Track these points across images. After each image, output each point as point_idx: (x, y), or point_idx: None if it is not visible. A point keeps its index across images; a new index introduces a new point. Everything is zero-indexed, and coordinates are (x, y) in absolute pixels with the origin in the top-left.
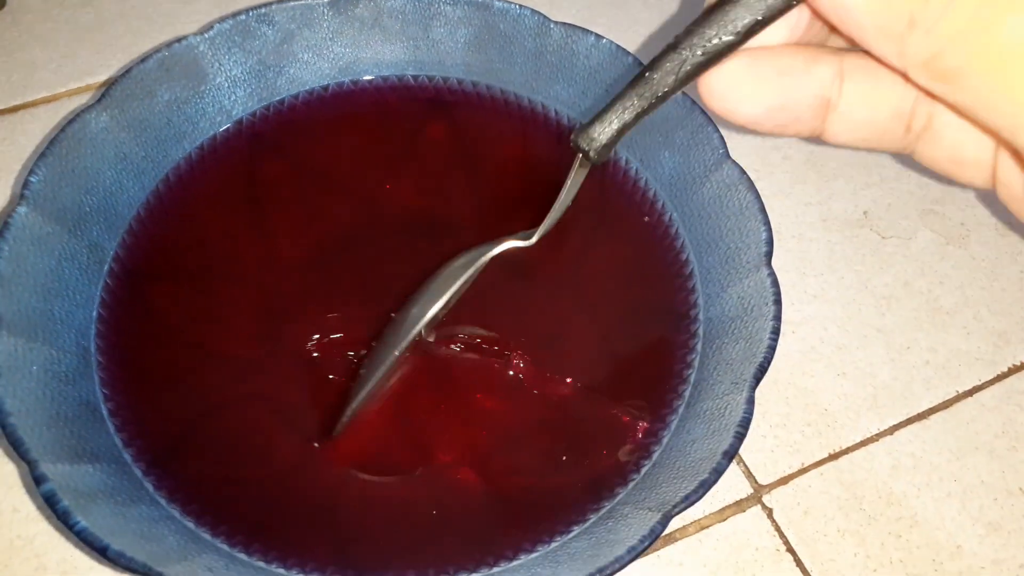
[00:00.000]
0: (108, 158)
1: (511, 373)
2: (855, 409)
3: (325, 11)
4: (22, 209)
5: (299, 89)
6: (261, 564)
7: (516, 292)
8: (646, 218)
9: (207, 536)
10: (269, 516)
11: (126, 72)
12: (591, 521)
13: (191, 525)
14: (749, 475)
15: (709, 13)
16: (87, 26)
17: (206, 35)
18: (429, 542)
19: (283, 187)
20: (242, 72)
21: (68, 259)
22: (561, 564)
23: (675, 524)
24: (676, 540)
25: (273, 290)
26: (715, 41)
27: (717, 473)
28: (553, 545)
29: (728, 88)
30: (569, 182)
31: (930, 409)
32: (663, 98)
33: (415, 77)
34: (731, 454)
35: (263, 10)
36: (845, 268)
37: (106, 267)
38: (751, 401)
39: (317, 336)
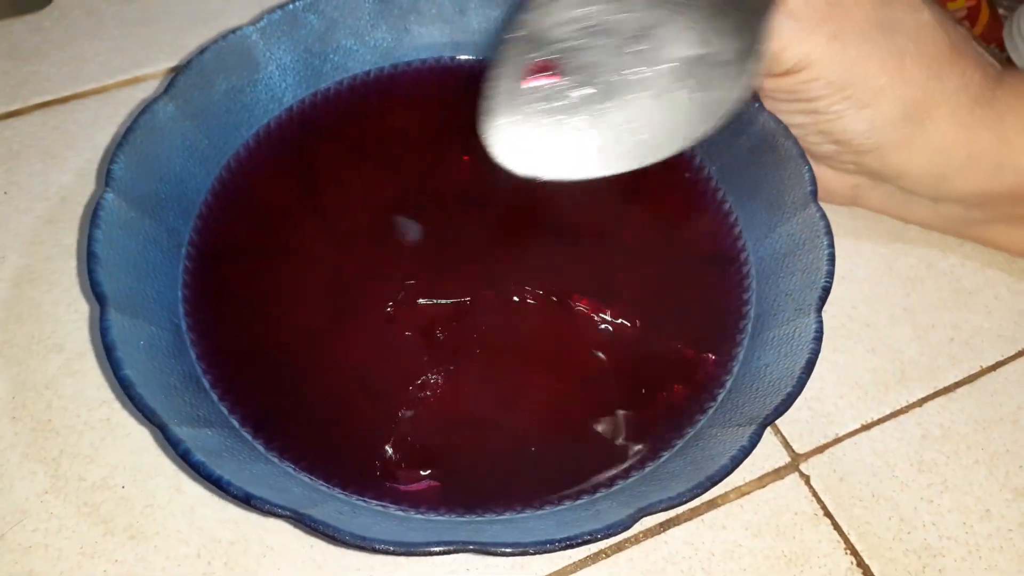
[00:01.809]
0: (176, 146)
1: (581, 319)
2: (885, 383)
3: (367, 0)
4: (109, 195)
5: (343, 75)
6: (380, 508)
7: (566, 251)
8: (686, 174)
9: (324, 488)
10: (374, 466)
11: (187, 64)
12: (678, 447)
13: (307, 479)
14: (786, 445)
15: None
16: (133, 20)
17: (258, 25)
18: (529, 476)
19: (334, 168)
20: (291, 60)
21: (152, 242)
22: (663, 482)
23: (717, 491)
24: (719, 505)
25: (335, 262)
26: None
27: (800, 385)
28: (648, 469)
29: None
30: None
31: (956, 383)
32: None
33: (452, 59)
34: (810, 368)
35: (310, 0)
36: (871, 251)
37: (183, 250)
38: (820, 321)
39: (384, 300)
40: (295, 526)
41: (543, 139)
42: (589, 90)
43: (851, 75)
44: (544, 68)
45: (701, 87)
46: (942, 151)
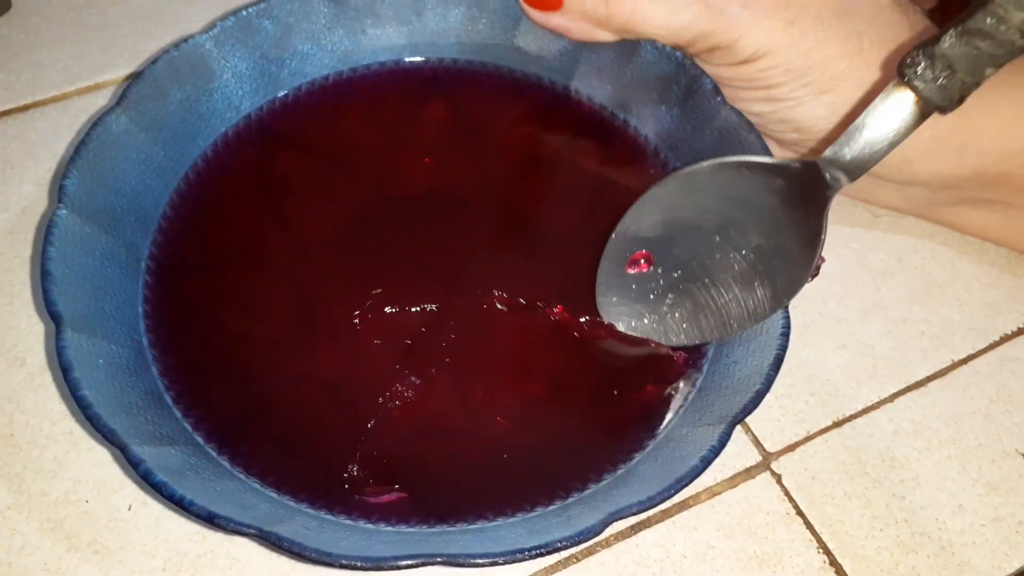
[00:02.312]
0: (131, 159)
1: (552, 322)
2: (856, 379)
3: (321, 3)
4: (62, 211)
5: (301, 81)
6: (348, 522)
7: (534, 254)
8: (652, 171)
9: (291, 503)
10: (342, 479)
11: (139, 74)
12: (649, 448)
13: (274, 495)
14: (757, 443)
15: None
16: (93, 26)
17: (210, 33)
18: (499, 485)
19: (296, 176)
20: (247, 68)
21: (109, 258)
22: (634, 484)
23: (688, 492)
24: (690, 506)
25: (299, 272)
26: None
27: (769, 382)
28: (620, 472)
29: None
30: (901, 136)
31: (927, 377)
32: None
33: (411, 60)
34: (778, 364)
35: (263, 5)
36: (841, 246)
37: (143, 264)
38: (787, 316)
39: (350, 310)
40: (260, 544)
41: (641, 312)
42: (676, 273)
43: (810, 61)
44: (640, 258)
45: (768, 272)
46: None
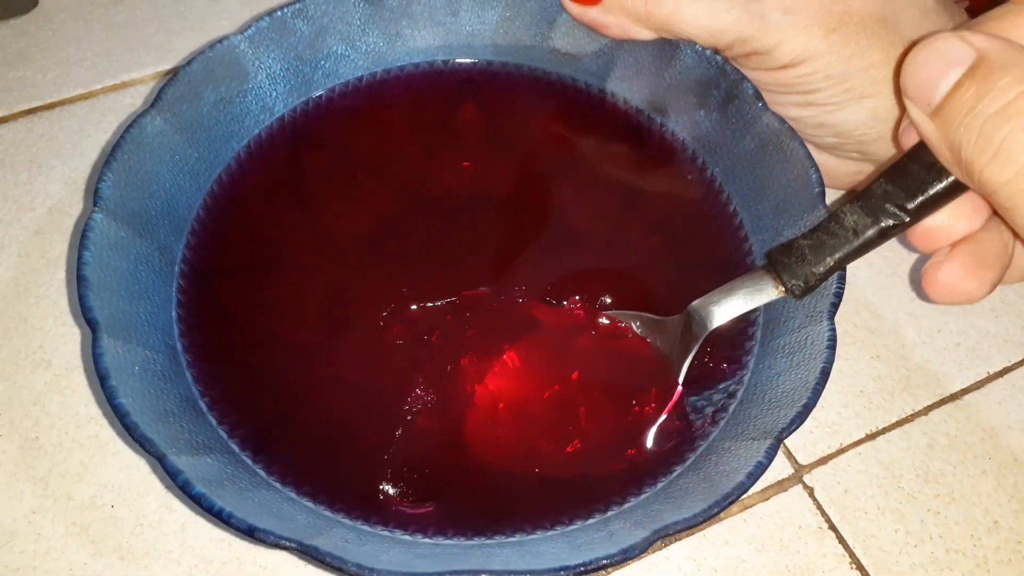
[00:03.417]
0: (165, 161)
1: (581, 326)
2: (890, 390)
3: (356, 3)
4: (98, 215)
5: (335, 82)
6: (385, 533)
7: (569, 258)
8: (689, 176)
9: (328, 513)
10: (377, 488)
11: (174, 75)
12: (690, 460)
13: (310, 505)
14: (790, 456)
15: (912, 159)
16: (120, 24)
17: (246, 34)
18: (538, 495)
19: (328, 178)
20: (281, 69)
21: (143, 262)
22: (676, 499)
23: None
24: (721, 519)
25: (331, 275)
26: (920, 198)
27: (816, 395)
28: (660, 485)
29: (953, 283)
30: (756, 304)
31: (963, 390)
32: (867, 249)
33: (445, 62)
34: (825, 376)
35: (298, 5)
36: (874, 255)
37: (176, 268)
38: (833, 328)
39: (381, 313)
40: (299, 557)
41: None
42: None
43: (851, 67)
44: None
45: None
46: None
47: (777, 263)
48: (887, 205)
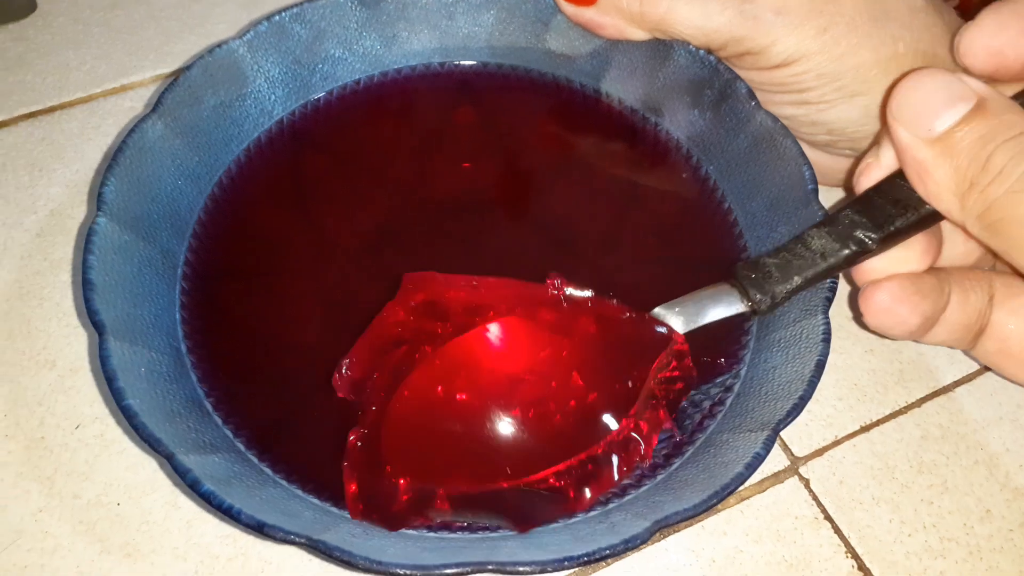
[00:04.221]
0: (166, 165)
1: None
2: (884, 384)
3: (353, 7)
4: (102, 219)
5: (332, 85)
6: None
7: (567, 257)
8: (684, 175)
9: (334, 509)
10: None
11: (174, 80)
12: (689, 453)
13: (316, 501)
14: (786, 448)
15: (878, 193)
16: (118, 28)
17: (244, 38)
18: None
19: (328, 180)
20: (279, 72)
21: (147, 265)
22: (676, 491)
23: None
24: (718, 511)
25: (332, 277)
26: (888, 229)
27: (812, 387)
28: (660, 477)
29: (888, 305)
30: (720, 316)
31: (955, 382)
32: (832, 273)
33: (441, 64)
34: (820, 369)
35: (296, 10)
36: None
37: (179, 271)
38: (827, 321)
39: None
40: (308, 552)
41: None
42: None
43: (842, 66)
44: None
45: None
46: None
47: (744, 279)
48: (855, 232)
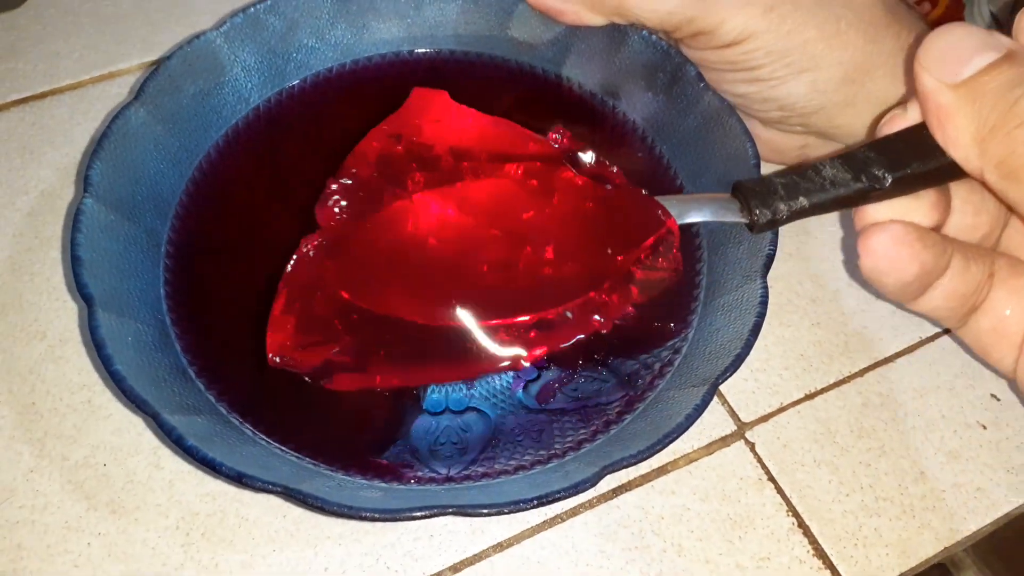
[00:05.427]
0: (149, 150)
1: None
2: (829, 354)
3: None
4: (88, 200)
5: (306, 73)
6: (363, 482)
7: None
8: (639, 154)
9: (310, 466)
10: (358, 443)
11: (155, 69)
12: (639, 409)
13: (294, 458)
14: (733, 414)
15: (897, 138)
16: (107, 17)
17: (221, 29)
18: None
19: (301, 163)
20: (255, 62)
21: (131, 243)
22: (626, 442)
23: (666, 457)
24: (668, 472)
25: None
26: (904, 171)
27: (748, 346)
28: (612, 432)
29: (887, 247)
30: (714, 218)
31: (896, 353)
32: (839, 204)
33: (410, 52)
34: (757, 330)
35: (270, 2)
36: (818, 228)
37: (162, 248)
38: (765, 286)
39: None
40: (284, 499)
41: None
42: None
43: (789, 43)
44: None
45: None
46: (885, 108)
47: (747, 191)
48: (870, 169)
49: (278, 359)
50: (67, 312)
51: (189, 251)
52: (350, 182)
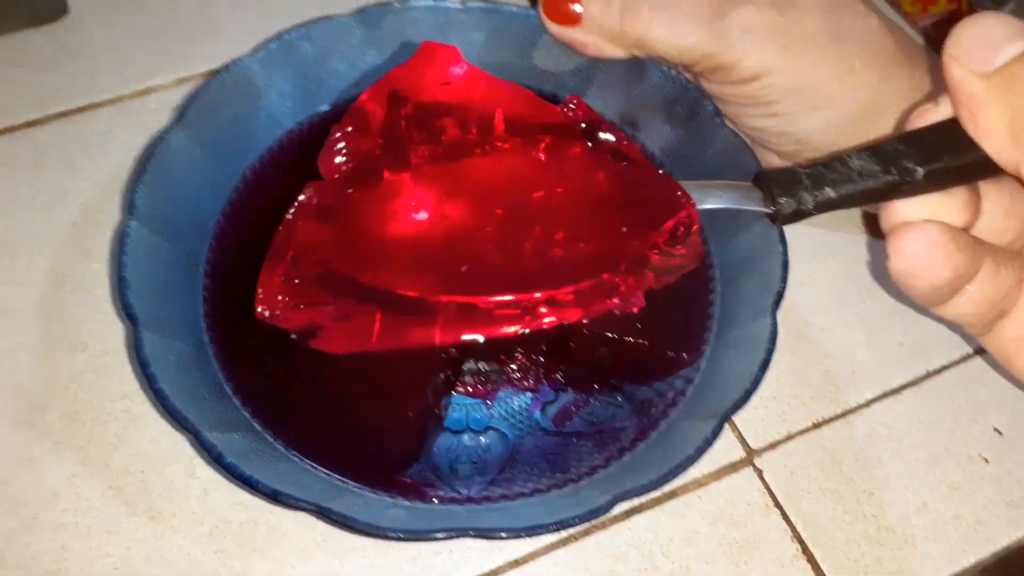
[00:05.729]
0: (189, 173)
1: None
2: (836, 385)
3: (355, 26)
4: (133, 223)
5: (337, 98)
6: (388, 500)
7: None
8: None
9: (339, 483)
10: (383, 460)
11: (195, 94)
12: (653, 437)
13: (323, 475)
14: (742, 441)
15: (928, 132)
16: (144, 32)
17: (257, 56)
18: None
19: None
20: (289, 87)
21: (173, 264)
22: (639, 470)
23: (677, 482)
24: (678, 495)
25: None
26: (935, 164)
27: (756, 382)
28: (626, 460)
29: (920, 248)
30: (737, 205)
31: (902, 385)
32: (868, 198)
33: None
34: (765, 366)
35: (303, 30)
36: (831, 258)
37: (201, 269)
38: (775, 323)
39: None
40: (317, 517)
41: None
42: None
43: (805, 81)
44: None
45: None
46: None
47: (771, 180)
48: (900, 161)
49: (267, 313)
50: (108, 324)
51: (226, 271)
52: (352, 130)
